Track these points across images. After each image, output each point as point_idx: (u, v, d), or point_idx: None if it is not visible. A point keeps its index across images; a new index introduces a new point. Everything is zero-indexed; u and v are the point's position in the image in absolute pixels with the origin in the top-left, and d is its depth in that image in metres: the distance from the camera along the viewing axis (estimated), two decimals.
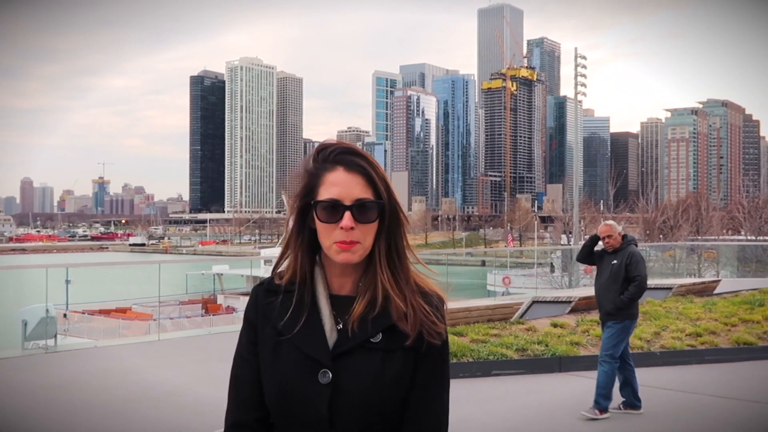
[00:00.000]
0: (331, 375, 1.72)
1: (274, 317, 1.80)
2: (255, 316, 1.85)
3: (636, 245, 7.73)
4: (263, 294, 1.86)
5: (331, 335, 1.76)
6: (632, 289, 7.35)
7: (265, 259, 29.49)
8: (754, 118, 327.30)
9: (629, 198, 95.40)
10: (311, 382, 1.72)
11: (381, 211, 1.77)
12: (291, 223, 1.85)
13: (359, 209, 1.73)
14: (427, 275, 1.90)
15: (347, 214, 1.72)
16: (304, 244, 1.82)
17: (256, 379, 1.82)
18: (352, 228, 1.72)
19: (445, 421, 1.84)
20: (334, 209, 1.73)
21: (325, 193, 1.75)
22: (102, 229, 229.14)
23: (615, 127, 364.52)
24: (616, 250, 7.58)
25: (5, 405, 7.56)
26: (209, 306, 25.47)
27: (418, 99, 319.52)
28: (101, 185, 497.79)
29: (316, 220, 1.76)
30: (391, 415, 1.77)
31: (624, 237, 7.65)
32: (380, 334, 1.75)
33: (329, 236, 1.74)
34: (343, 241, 1.72)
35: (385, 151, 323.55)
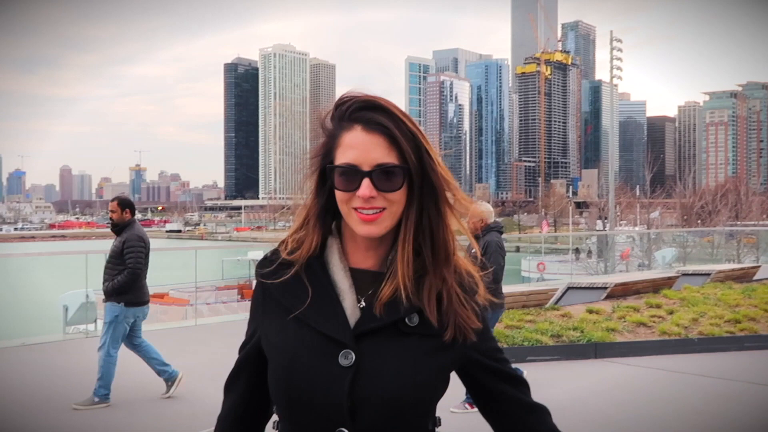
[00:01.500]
0: (354, 356, 1.46)
1: (281, 294, 1.56)
2: (260, 297, 1.63)
3: (500, 233, 7.23)
4: (268, 270, 1.60)
5: (353, 312, 1.51)
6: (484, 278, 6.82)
7: None
8: None
9: (666, 183, 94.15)
10: (328, 364, 1.46)
11: (409, 176, 1.49)
12: (307, 192, 1.60)
13: (380, 175, 1.46)
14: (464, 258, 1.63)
15: (365, 182, 1.46)
16: (320, 209, 1.57)
17: (253, 359, 1.64)
18: (372, 197, 1.46)
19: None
20: (352, 176, 1.47)
21: (342, 157, 1.49)
22: (139, 216, 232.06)
23: (651, 111, 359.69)
24: (476, 237, 7.04)
25: (48, 387, 7.74)
26: (245, 291, 25.69)
27: (452, 84, 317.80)
28: (138, 172, 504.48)
29: (335, 190, 1.51)
30: (421, 414, 1.53)
31: (487, 226, 7.09)
32: (416, 316, 1.50)
33: (347, 204, 1.50)
34: (362, 208, 1.47)
35: None
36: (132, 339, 7.50)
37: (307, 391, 1.47)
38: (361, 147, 1.47)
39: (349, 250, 1.58)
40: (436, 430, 1.63)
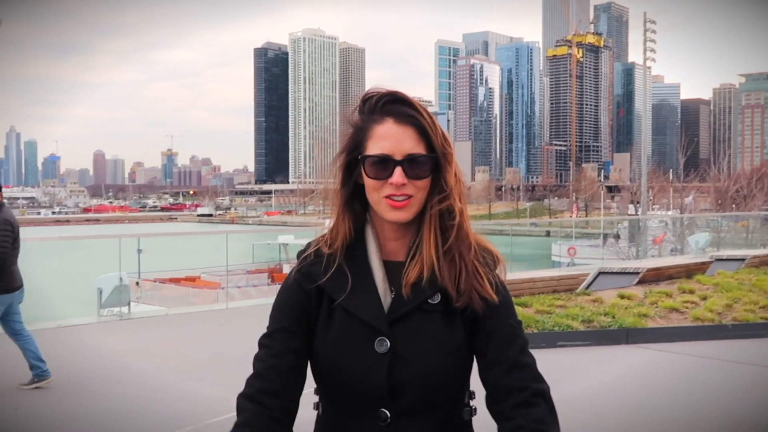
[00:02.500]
0: (389, 343, 1.58)
1: (324, 283, 1.66)
2: (305, 281, 1.69)
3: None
4: (311, 260, 1.70)
5: (386, 300, 1.63)
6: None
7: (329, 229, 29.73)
8: None
9: (700, 167, 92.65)
10: (368, 351, 1.59)
11: (435, 166, 1.63)
12: (336, 184, 1.70)
13: (411, 164, 1.59)
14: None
15: (398, 170, 1.59)
16: (351, 202, 1.69)
17: (294, 332, 1.67)
18: (403, 185, 1.59)
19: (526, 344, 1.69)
20: (384, 165, 1.59)
21: (374, 147, 1.61)
22: (171, 200, 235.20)
23: (686, 94, 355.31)
24: None
25: (84, 369, 7.87)
26: (275, 275, 25.88)
27: (482, 68, 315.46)
28: (170, 157, 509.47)
29: (365, 177, 1.63)
30: (454, 385, 1.65)
31: None
32: (438, 295, 1.62)
33: (378, 192, 1.61)
34: (394, 195, 1.59)
35: (448, 120, 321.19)
36: (10, 326, 7.03)
37: (350, 376, 1.60)
38: (393, 138, 1.60)
39: (382, 242, 1.70)
40: (472, 402, 1.73)
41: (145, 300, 19.21)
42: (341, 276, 1.65)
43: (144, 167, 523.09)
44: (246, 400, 1.65)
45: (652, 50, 52.88)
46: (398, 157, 1.59)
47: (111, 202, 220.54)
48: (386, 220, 1.65)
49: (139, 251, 14.25)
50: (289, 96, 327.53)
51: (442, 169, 1.64)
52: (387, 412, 1.58)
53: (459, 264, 1.63)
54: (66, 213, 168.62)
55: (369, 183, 1.62)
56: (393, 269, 1.66)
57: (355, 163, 1.66)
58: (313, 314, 1.68)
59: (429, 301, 1.61)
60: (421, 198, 1.63)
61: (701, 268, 13.60)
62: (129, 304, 12.25)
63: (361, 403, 1.60)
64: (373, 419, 1.59)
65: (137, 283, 17.93)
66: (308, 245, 1.75)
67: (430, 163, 1.62)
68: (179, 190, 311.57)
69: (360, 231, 1.70)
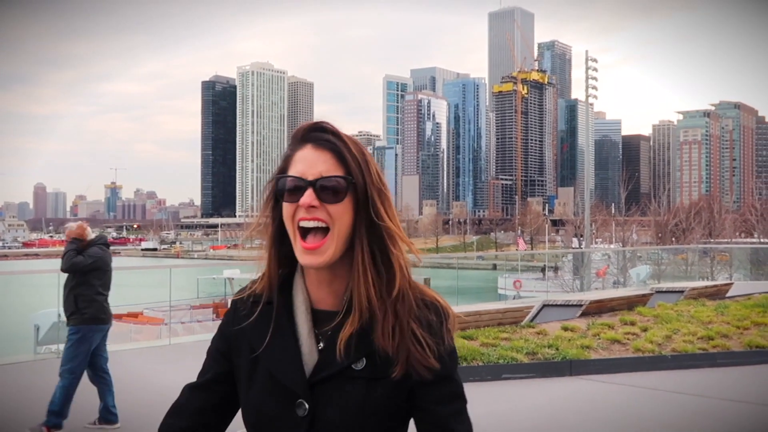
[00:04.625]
0: (307, 406, 1.49)
1: (250, 335, 1.57)
2: (229, 331, 1.63)
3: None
4: (242, 306, 1.62)
5: (310, 357, 1.52)
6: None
7: None
8: (767, 120, 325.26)
9: (641, 201, 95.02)
10: (288, 414, 1.50)
11: (355, 191, 1.50)
12: (264, 219, 1.61)
13: (323, 186, 1.48)
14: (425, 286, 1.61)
15: (308, 191, 1.48)
16: (281, 244, 1.57)
17: (206, 387, 1.65)
18: (313, 206, 1.47)
19: None
20: (297, 187, 1.50)
21: (292, 170, 1.53)
22: (114, 234, 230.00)
23: (626, 130, 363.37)
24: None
25: (19, 408, 7.61)
26: (220, 310, 25.51)
27: (429, 103, 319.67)
28: (113, 190, 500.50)
29: (283, 204, 1.53)
30: None
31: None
32: (364, 360, 1.50)
33: (293, 221, 1.50)
34: (304, 219, 1.48)
35: (396, 155, 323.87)
36: None
37: None
38: (308, 161, 1.51)
39: (309, 288, 1.58)
40: None
41: None
42: (265, 326, 1.56)
43: (86, 200, 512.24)
44: None
45: (594, 87, 54.35)
46: (310, 178, 1.49)
47: (51, 236, 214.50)
48: (301, 264, 1.53)
49: None
50: (237, 129, 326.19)
51: (371, 203, 1.51)
52: None
53: (394, 325, 1.49)
54: (4, 247, 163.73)
55: (285, 210, 1.52)
56: (322, 319, 1.55)
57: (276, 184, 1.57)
58: (236, 362, 1.61)
59: (353, 366, 1.50)
60: (340, 232, 1.49)
61: (642, 300, 13.89)
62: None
63: None
64: None
65: None
66: (241, 291, 1.66)
67: (347, 187, 1.49)
68: (123, 223, 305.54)
69: (291, 275, 1.59)
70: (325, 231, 1.49)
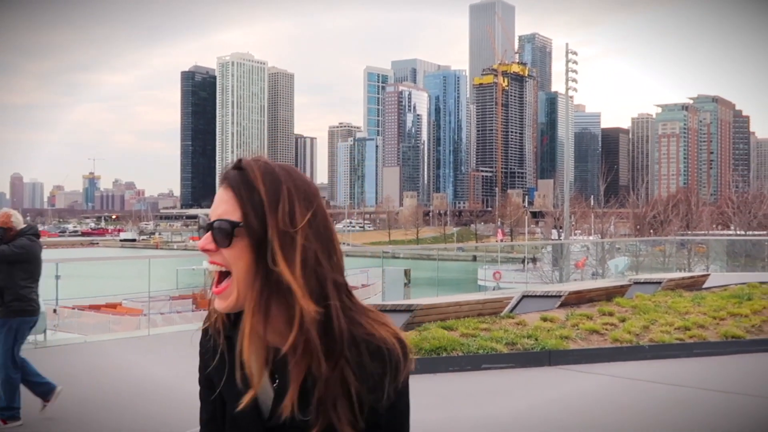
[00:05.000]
0: None
1: (212, 372, 1.53)
2: (203, 362, 1.59)
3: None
4: (204, 336, 1.58)
5: (266, 395, 1.46)
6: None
7: None
8: (744, 113, 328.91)
9: (620, 193, 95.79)
10: None
11: (252, 236, 1.40)
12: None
13: (216, 228, 1.42)
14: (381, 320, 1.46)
15: (207, 234, 1.43)
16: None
17: (213, 419, 1.59)
18: (209, 250, 1.42)
19: None
20: (202, 228, 1.47)
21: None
22: (92, 225, 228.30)
23: (606, 123, 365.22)
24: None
25: None
26: (200, 301, 25.42)
27: (410, 94, 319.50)
28: (92, 181, 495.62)
29: None
30: None
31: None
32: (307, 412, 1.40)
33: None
34: (211, 263, 1.43)
35: (377, 146, 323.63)
36: None
37: None
38: (215, 202, 1.46)
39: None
40: None
41: (62, 328, 18.55)
42: (221, 363, 1.51)
43: (64, 191, 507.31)
44: None
45: (574, 80, 54.62)
46: (210, 220, 1.44)
47: None
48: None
49: (57, 277, 13.77)
50: (217, 120, 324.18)
51: (269, 248, 1.39)
52: None
53: (310, 387, 1.39)
54: None
55: None
56: (274, 354, 1.44)
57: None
58: (213, 399, 1.57)
59: (302, 418, 1.40)
60: (239, 279, 1.40)
61: (620, 291, 14.01)
62: (45, 332, 11.80)
63: None
64: None
65: (55, 311, 17.32)
66: (206, 320, 1.60)
67: (232, 231, 1.40)
68: (101, 214, 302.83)
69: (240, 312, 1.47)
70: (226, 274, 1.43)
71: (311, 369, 1.38)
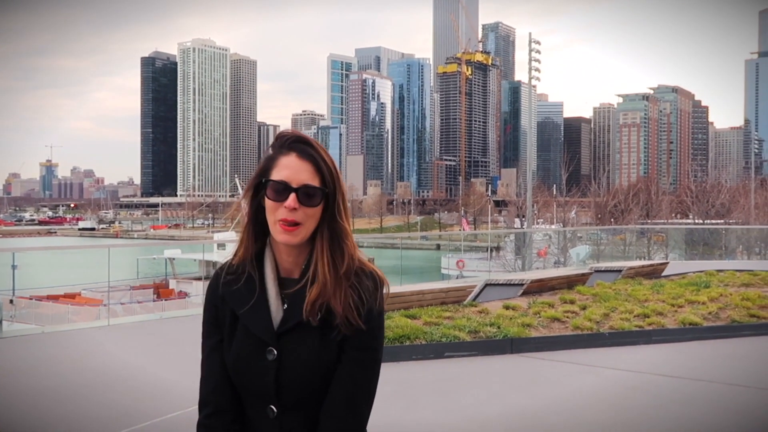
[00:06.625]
0: (276, 352, 1.92)
1: (230, 298, 1.99)
2: (215, 297, 2.03)
3: None
4: (222, 275, 2.03)
5: (276, 315, 1.95)
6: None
7: (218, 243, 29.13)
8: (703, 104, 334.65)
9: (582, 182, 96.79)
10: (260, 359, 1.93)
11: (326, 198, 1.93)
12: (244, 204, 2.01)
13: (304, 193, 1.89)
14: (368, 261, 2.02)
15: (292, 196, 1.88)
16: (256, 223, 1.98)
17: (224, 362, 2.00)
18: (295, 209, 1.88)
19: (366, 411, 1.98)
20: (283, 190, 1.89)
21: (277, 174, 1.91)
22: (50, 213, 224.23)
23: (568, 112, 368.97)
24: None
25: None
26: (161, 291, 25.13)
27: (374, 82, 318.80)
28: (49, 168, 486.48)
29: (266, 199, 1.92)
30: (328, 388, 1.96)
31: None
32: (319, 315, 1.91)
33: (274, 214, 1.90)
34: (285, 220, 1.88)
35: (340, 134, 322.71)
36: None
37: (247, 379, 1.96)
38: (293, 169, 1.91)
39: (278, 259, 2.00)
40: None
41: (19, 319, 18.22)
42: (241, 290, 1.98)
43: (20, 179, 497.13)
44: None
45: (537, 69, 54.91)
46: (295, 185, 1.89)
47: None
48: (277, 241, 1.93)
49: (14, 267, 13.52)
50: (178, 107, 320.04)
51: (333, 201, 1.94)
52: (274, 408, 1.95)
53: (341, 292, 1.92)
54: None
55: (268, 204, 1.92)
56: (287, 285, 1.97)
57: (261, 186, 1.95)
58: (222, 322, 2.01)
59: (311, 321, 1.92)
60: (310, 227, 1.92)
61: (582, 279, 14.18)
62: (1, 322, 11.55)
63: (256, 400, 1.97)
64: (264, 413, 1.96)
65: (11, 301, 17.04)
66: (222, 266, 2.06)
67: (321, 196, 1.92)
68: (59, 203, 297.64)
69: (263, 249, 2.00)
70: (298, 223, 1.91)
71: (329, 286, 1.91)
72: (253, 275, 1.98)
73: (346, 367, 1.95)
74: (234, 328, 1.98)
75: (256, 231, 1.99)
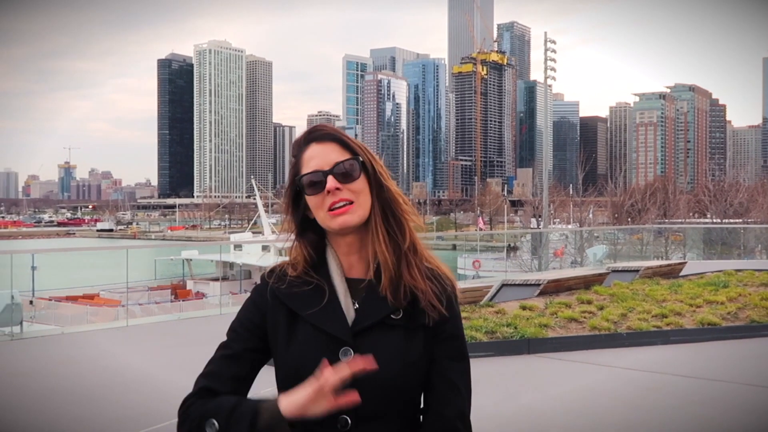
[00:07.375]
0: (353, 352, 1.68)
1: (290, 301, 1.77)
2: (264, 300, 1.81)
3: None
4: (276, 280, 1.83)
5: (348, 314, 1.74)
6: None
7: (234, 244, 29.24)
8: (720, 102, 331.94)
9: (598, 182, 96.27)
10: (332, 360, 1.63)
11: (364, 169, 1.77)
12: (290, 219, 1.85)
13: (340, 172, 1.74)
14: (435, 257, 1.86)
15: (330, 178, 1.72)
16: (307, 230, 1.83)
17: (239, 356, 1.77)
18: (338, 189, 1.72)
19: (468, 400, 1.87)
20: (317, 179, 1.74)
21: (306, 169, 1.76)
22: (69, 215, 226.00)
23: (584, 112, 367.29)
24: None
25: None
26: (179, 291, 25.27)
27: (389, 83, 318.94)
28: (67, 170, 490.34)
29: (308, 200, 1.77)
30: (412, 393, 1.75)
31: None
32: (401, 311, 1.74)
33: (321, 207, 1.75)
34: (334, 203, 1.72)
35: (356, 135, 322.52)
36: None
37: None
38: (319, 155, 1.76)
39: (341, 258, 1.82)
40: None
41: (39, 319, 18.40)
42: (306, 293, 1.77)
43: (39, 180, 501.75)
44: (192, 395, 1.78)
45: (553, 69, 54.65)
46: (326, 168, 1.73)
47: (3, 217, 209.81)
48: (336, 231, 1.76)
49: (34, 268, 13.64)
50: (195, 108, 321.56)
51: (373, 169, 1.78)
52: (347, 418, 1.66)
53: (414, 283, 1.75)
54: None
55: (312, 203, 1.76)
56: (354, 285, 1.78)
57: (299, 194, 1.80)
58: (271, 328, 1.79)
59: (392, 316, 1.73)
60: (364, 202, 1.75)
61: (599, 279, 14.11)
62: (21, 323, 11.67)
63: None
64: (333, 424, 1.67)
65: (31, 302, 17.16)
66: (272, 269, 1.87)
67: (359, 165, 1.75)
68: (78, 204, 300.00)
69: (322, 254, 1.82)
70: (348, 202, 1.74)
71: (401, 266, 1.75)
72: (317, 277, 1.79)
73: (443, 361, 1.78)
74: (292, 330, 1.75)
75: (310, 240, 1.83)
